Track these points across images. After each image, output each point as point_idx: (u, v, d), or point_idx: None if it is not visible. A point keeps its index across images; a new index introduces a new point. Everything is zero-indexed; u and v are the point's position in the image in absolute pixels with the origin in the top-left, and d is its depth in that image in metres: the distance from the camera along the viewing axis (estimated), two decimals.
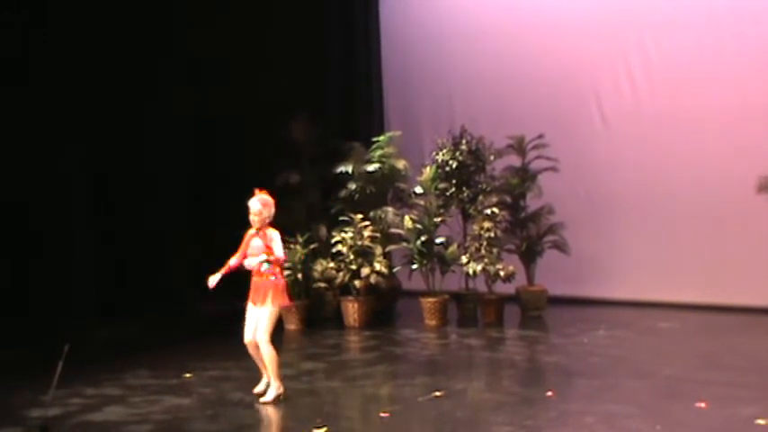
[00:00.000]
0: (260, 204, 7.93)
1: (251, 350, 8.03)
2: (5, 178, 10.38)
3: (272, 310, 7.91)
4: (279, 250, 7.91)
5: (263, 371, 8.13)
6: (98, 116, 11.41)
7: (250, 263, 7.92)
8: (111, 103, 11.69)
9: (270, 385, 8.02)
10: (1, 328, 9.90)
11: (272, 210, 8.02)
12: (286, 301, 8.13)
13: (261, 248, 7.91)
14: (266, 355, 7.94)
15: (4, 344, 9.78)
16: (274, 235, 7.96)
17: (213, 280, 7.92)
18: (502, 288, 11.93)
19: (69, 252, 10.97)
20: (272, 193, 12.35)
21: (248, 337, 7.98)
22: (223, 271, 7.97)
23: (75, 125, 11.04)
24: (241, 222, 11.98)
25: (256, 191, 8.04)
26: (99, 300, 11.30)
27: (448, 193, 12.20)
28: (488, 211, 11.74)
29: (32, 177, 10.57)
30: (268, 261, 7.85)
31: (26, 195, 10.53)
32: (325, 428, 7.15)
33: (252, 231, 8.03)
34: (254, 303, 7.94)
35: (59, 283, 10.76)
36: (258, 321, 7.91)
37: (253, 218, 7.94)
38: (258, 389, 8.16)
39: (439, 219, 12.01)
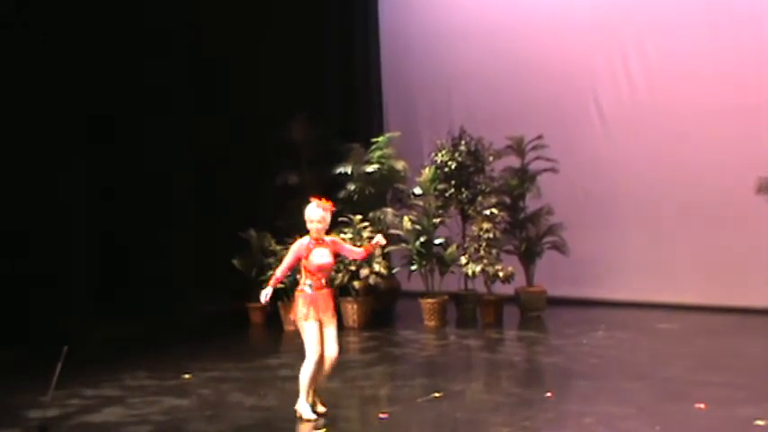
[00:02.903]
0: (323, 211, 7.42)
1: (317, 369, 7.42)
2: (5, 179, 10.38)
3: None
4: (355, 249, 7.93)
5: (320, 389, 7.65)
6: (99, 120, 11.40)
7: (380, 240, 7.75)
8: (111, 104, 11.70)
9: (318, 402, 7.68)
10: (0, 328, 9.92)
11: (330, 217, 7.56)
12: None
13: (328, 256, 7.46)
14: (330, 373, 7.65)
15: (4, 344, 9.80)
16: (337, 240, 7.74)
17: (266, 294, 7.48)
18: (501, 289, 11.94)
19: (68, 252, 10.96)
20: (272, 195, 12.44)
21: (334, 351, 7.46)
22: (273, 283, 7.53)
23: (77, 129, 11.03)
24: (241, 222, 12.07)
25: (314, 198, 7.54)
26: (98, 300, 11.29)
27: (447, 194, 12.20)
28: (487, 212, 11.75)
29: (33, 178, 10.56)
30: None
31: (25, 196, 10.51)
32: (324, 429, 7.16)
33: (306, 241, 7.46)
34: (322, 317, 7.43)
35: (58, 284, 10.74)
36: (330, 338, 7.45)
37: (316, 225, 7.39)
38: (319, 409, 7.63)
39: (438, 220, 12.01)
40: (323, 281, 7.48)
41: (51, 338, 9.24)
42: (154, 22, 12.13)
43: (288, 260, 7.56)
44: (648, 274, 12.60)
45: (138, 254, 11.90)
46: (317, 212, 7.41)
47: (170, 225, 12.28)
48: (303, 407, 7.49)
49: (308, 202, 7.54)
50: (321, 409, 7.64)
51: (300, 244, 7.49)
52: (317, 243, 7.46)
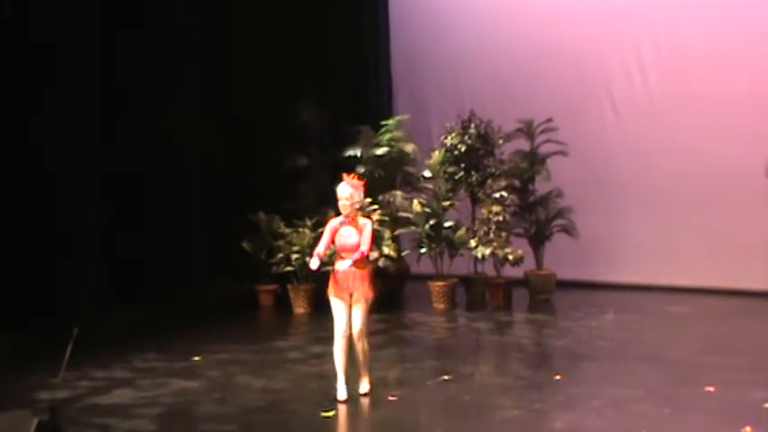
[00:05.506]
0: (351, 188, 7.37)
1: (344, 346, 7.44)
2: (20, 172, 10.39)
3: (368, 303, 7.48)
4: (366, 243, 7.36)
5: (361, 368, 7.62)
6: (111, 112, 11.38)
7: (342, 266, 7.33)
8: (122, 98, 11.68)
9: (364, 381, 7.66)
10: (11, 310, 9.95)
11: (362, 195, 7.53)
12: (372, 293, 7.54)
13: (354, 236, 7.35)
14: (366, 350, 7.55)
15: (15, 327, 9.83)
16: (367, 224, 7.46)
17: (315, 263, 7.25)
18: (510, 272, 11.93)
19: (81, 235, 10.96)
20: (281, 177, 12.42)
21: (347, 331, 7.41)
22: (318, 256, 7.31)
23: (91, 121, 11.04)
24: (253, 206, 12.05)
25: (345, 176, 7.53)
26: (108, 283, 11.30)
27: (456, 177, 12.19)
28: (497, 195, 11.74)
29: (49, 168, 10.56)
30: (354, 261, 7.29)
31: (42, 182, 10.51)
32: (333, 412, 7.18)
33: (339, 219, 7.44)
34: (342, 297, 7.42)
35: (69, 267, 10.76)
36: (353, 316, 7.42)
37: (343, 203, 7.36)
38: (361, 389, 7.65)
39: (448, 203, 12.00)
40: (350, 260, 7.32)
41: (61, 321, 9.29)
42: (158, 19, 12.07)
43: (324, 237, 7.50)
44: (658, 256, 12.58)
45: (147, 237, 11.88)
46: (345, 190, 7.39)
47: (179, 208, 12.25)
48: (338, 385, 7.51)
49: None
50: (364, 388, 7.62)
51: (332, 221, 7.52)
52: (347, 222, 7.42)
